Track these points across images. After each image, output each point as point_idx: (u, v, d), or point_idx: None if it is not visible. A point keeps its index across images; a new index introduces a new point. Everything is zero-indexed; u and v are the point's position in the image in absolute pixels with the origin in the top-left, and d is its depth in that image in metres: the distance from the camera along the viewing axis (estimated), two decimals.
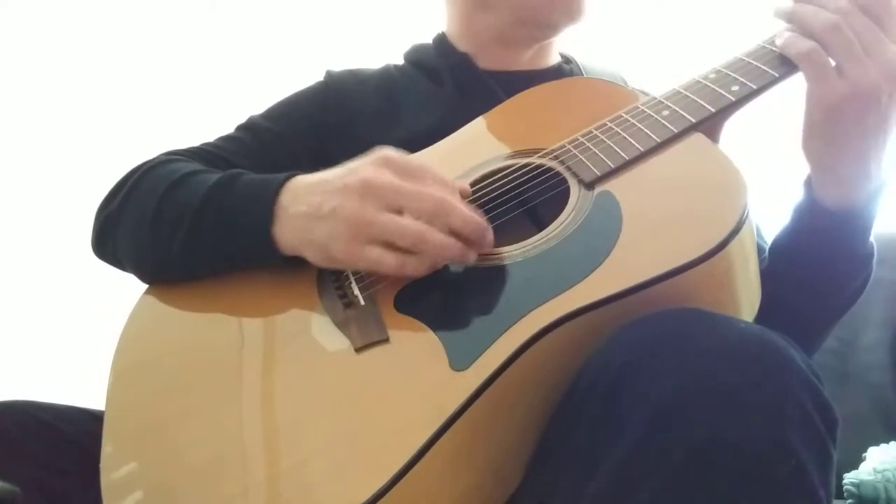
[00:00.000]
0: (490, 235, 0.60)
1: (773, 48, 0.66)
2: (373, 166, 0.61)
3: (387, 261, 0.59)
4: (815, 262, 0.66)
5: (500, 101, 0.80)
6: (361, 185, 0.60)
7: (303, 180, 0.65)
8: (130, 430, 0.59)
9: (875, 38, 0.60)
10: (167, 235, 0.69)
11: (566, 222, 0.61)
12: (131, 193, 0.74)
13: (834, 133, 0.62)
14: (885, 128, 0.62)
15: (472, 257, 0.60)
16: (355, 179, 0.60)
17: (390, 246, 0.59)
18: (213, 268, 0.69)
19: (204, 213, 0.68)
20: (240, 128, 0.86)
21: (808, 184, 0.67)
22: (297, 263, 0.66)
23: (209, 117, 1.51)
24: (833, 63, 0.61)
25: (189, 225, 0.68)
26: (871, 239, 0.68)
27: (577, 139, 0.68)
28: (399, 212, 0.59)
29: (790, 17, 0.65)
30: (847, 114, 0.61)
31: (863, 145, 0.62)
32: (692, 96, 0.66)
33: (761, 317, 0.60)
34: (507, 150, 0.72)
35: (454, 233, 0.59)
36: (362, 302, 0.61)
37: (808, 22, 0.63)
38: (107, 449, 0.58)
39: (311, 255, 0.63)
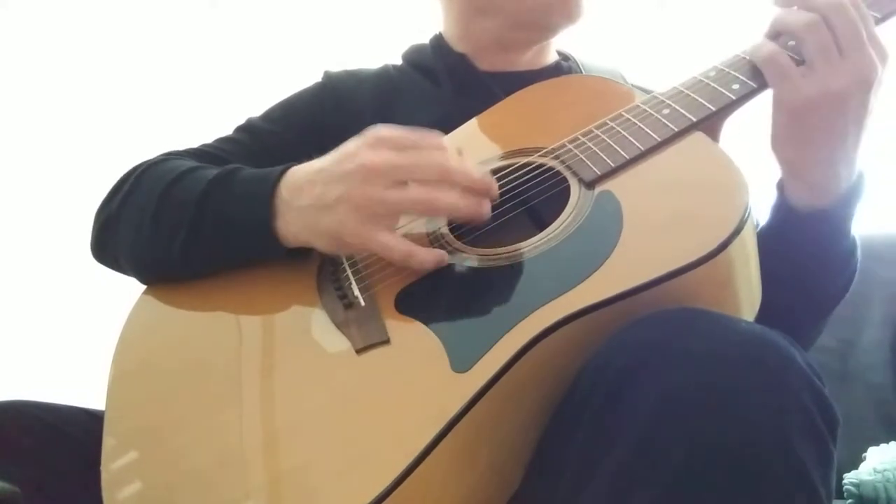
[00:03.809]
0: (495, 187, 0.62)
1: None
2: (369, 148, 0.61)
3: (397, 248, 0.60)
4: (792, 262, 0.65)
5: (498, 101, 0.80)
6: (362, 170, 0.60)
7: (301, 171, 0.65)
8: (131, 431, 0.59)
9: (854, 40, 0.59)
10: (167, 233, 0.69)
11: (567, 222, 0.61)
12: (130, 194, 0.74)
13: (799, 136, 0.61)
14: (854, 131, 0.61)
15: (486, 209, 0.62)
16: (355, 165, 0.60)
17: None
18: (214, 265, 0.69)
19: (203, 210, 0.68)
20: (238, 129, 0.86)
21: (781, 186, 0.66)
22: (299, 256, 0.66)
23: (208, 118, 1.51)
24: (800, 66, 0.60)
25: (189, 222, 0.68)
26: (854, 236, 0.66)
27: (578, 138, 0.67)
28: (404, 185, 0.60)
29: (775, 18, 0.64)
30: (812, 117, 0.60)
31: (829, 150, 0.61)
32: (693, 95, 0.66)
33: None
34: (506, 149, 0.72)
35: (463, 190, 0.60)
36: (363, 303, 0.61)
37: (787, 20, 0.62)
38: (107, 449, 0.58)
39: (321, 244, 0.63)
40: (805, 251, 0.63)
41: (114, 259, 0.76)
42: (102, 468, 0.56)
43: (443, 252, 0.61)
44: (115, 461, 0.57)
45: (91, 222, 0.78)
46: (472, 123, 0.78)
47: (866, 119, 0.61)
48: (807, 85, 0.59)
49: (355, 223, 0.60)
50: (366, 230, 0.60)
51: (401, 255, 0.60)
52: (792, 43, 0.62)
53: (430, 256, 0.61)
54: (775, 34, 0.65)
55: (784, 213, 0.65)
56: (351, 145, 0.62)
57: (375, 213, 0.60)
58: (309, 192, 0.63)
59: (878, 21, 0.64)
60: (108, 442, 0.58)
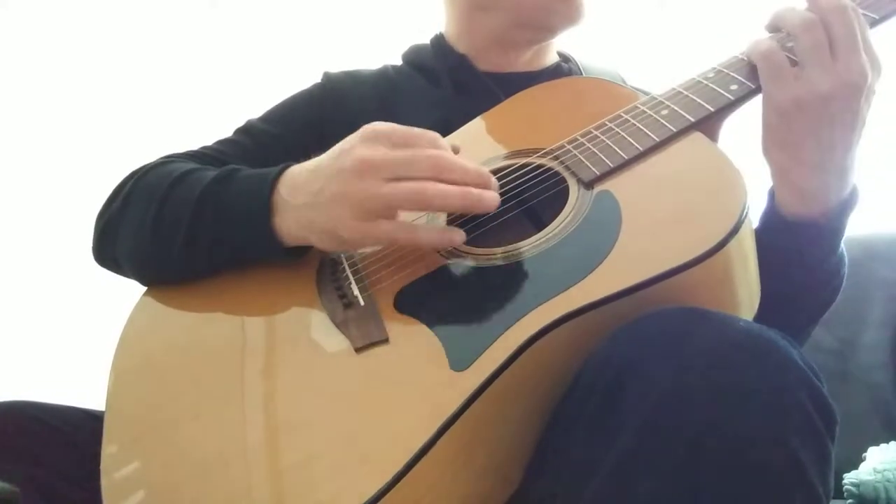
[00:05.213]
0: (494, 180, 0.61)
1: None
2: (364, 144, 0.61)
3: (400, 232, 0.61)
4: (777, 271, 0.62)
5: (498, 102, 0.80)
6: (358, 165, 0.60)
7: (298, 169, 0.65)
8: (131, 431, 0.59)
9: (848, 44, 0.59)
10: (167, 234, 0.69)
11: (565, 222, 0.61)
12: (130, 196, 0.74)
13: (787, 138, 0.60)
14: (842, 139, 0.60)
15: (489, 197, 0.59)
16: (351, 161, 0.60)
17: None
18: (214, 265, 0.69)
19: (203, 210, 0.68)
20: (238, 131, 0.87)
21: (772, 193, 0.65)
22: (298, 255, 0.66)
23: (208, 119, 1.51)
24: (795, 66, 0.60)
25: (188, 221, 0.68)
26: (842, 249, 0.65)
27: (576, 139, 0.68)
28: (399, 181, 0.60)
29: (775, 13, 0.64)
30: (798, 118, 0.59)
31: (818, 155, 0.60)
32: (691, 96, 0.66)
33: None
34: (505, 150, 0.72)
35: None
36: (362, 302, 0.61)
37: (786, 17, 0.62)
38: (107, 449, 0.58)
39: (318, 241, 0.64)
40: (791, 260, 0.62)
41: (114, 261, 0.77)
42: (102, 467, 0.56)
43: (450, 228, 0.62)
44: (116, 460, 0.57)
45: (91, 224, 0.79)
46: (472, 125, 0.78)
47: (856, 128, 0.60)
48: (796, 85, 0.59)
49: (351, 219, 0.60)
50: (362, 225, 0.60)
51: (406, 237, 0.61)
52: (791, 45, 0.62)
53: (434, 231, 0.61)
54: (774, 28, 0.65)
55: (772, 219, 0.65)
56: (347, 142, 0.62)
57: (370, 209, 0.60)
58: (305, 190, 0.63)
59: (877, 22, 0.64)
60: (109, 441, 0.58)
